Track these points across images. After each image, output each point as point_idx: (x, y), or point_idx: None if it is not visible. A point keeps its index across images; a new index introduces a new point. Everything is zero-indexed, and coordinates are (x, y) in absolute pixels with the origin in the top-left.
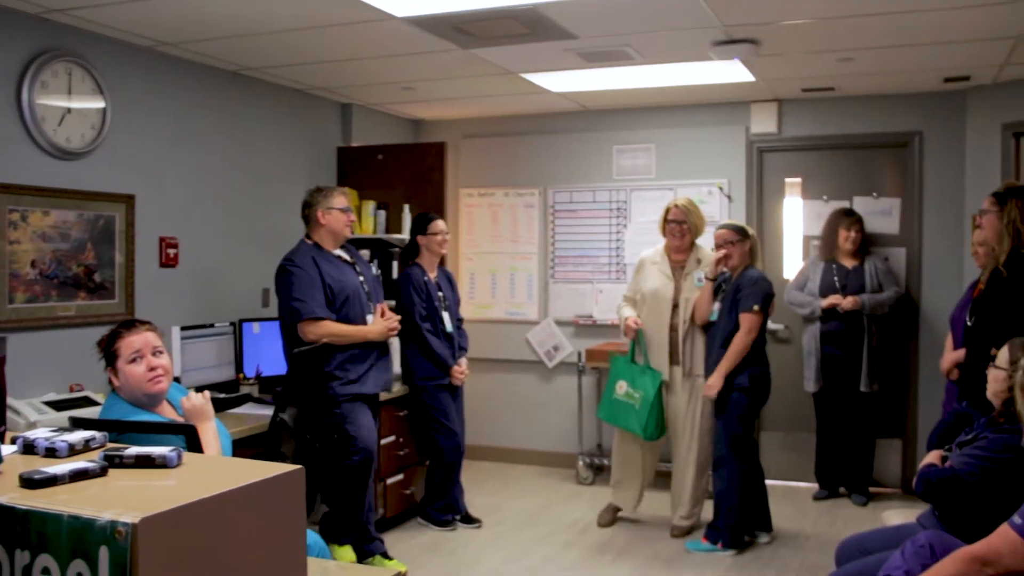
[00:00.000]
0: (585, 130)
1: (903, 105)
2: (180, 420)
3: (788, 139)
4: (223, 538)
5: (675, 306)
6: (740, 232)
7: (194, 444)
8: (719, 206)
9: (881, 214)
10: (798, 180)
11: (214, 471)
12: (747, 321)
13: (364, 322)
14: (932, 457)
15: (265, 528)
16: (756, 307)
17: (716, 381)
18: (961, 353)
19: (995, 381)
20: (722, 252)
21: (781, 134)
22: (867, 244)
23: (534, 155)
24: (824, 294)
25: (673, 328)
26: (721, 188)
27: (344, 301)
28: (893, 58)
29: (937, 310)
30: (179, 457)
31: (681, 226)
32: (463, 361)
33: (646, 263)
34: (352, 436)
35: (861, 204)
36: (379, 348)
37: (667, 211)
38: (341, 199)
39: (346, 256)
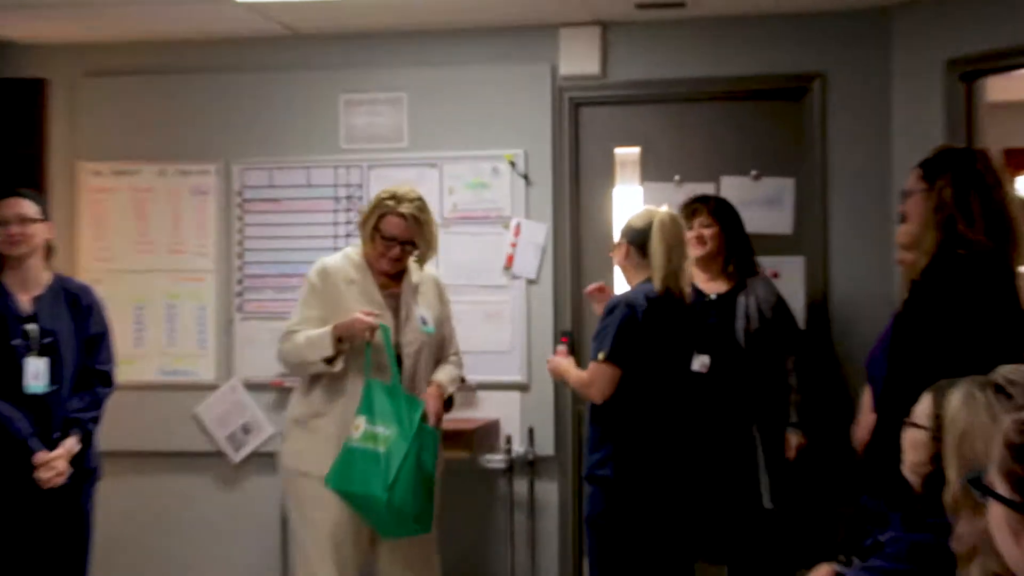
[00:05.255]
0: (293, 68)
1: (795, 32)
2: None
3: (617, 85)
4: None
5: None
6: (623, 232)
7: None
8: (510, 192)
9: (764, 203)
10: (635, 151)
11: None
12: (588, 373)
13: None
14: (822, 573)
15: None
16: (601, 355)
17: None
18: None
19: (913, 447)
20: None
21: (607, 78)
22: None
23: (208, 109)
24: None
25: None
26: (513, 164)
27: None
28: None
29: (853, 351)
30: None
31: (402, 248)
32: (68, 443)
33: (335, 280)
34: None
35: (733, 188)
36: None
37: (380, 213)
38: None
39: None
